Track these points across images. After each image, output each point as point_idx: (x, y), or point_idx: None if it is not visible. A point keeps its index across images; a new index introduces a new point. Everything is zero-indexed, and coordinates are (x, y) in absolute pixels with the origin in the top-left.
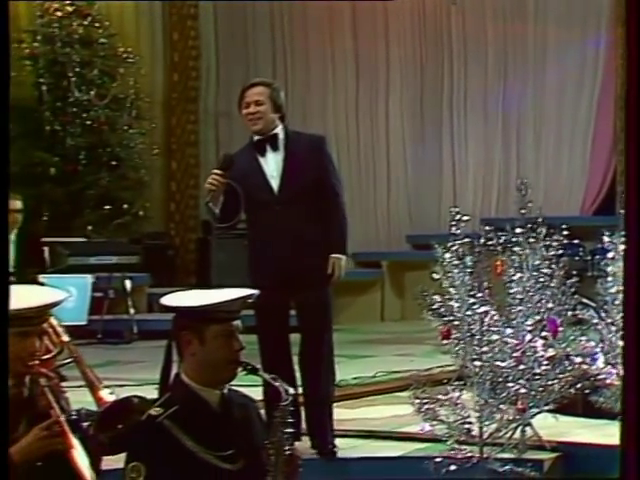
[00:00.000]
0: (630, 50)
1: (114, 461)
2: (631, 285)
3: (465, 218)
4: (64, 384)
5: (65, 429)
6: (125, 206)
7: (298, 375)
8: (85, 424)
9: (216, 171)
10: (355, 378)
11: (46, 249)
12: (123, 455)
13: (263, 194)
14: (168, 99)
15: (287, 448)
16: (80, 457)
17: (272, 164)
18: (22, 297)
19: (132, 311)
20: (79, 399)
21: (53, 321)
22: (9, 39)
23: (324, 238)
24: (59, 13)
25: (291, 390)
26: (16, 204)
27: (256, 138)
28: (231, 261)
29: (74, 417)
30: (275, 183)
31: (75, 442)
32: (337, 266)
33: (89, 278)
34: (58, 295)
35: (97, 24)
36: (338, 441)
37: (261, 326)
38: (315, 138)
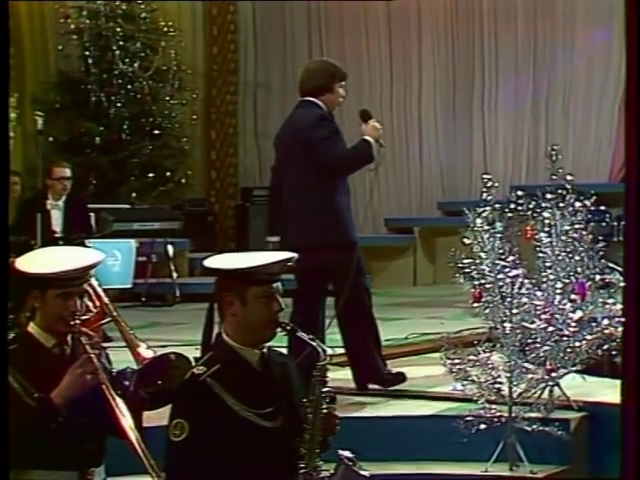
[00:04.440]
0: (630, 48)
1: (158, 418)
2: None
3: (496, 184)
4: (109, 344)
5: (97, 366)
6: (167, 174)
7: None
8: (128, 382)
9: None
10: (388, 340)
11: (92, 215)
12: (166, 412)
13: None
14: (209, 71)
15: (324, 407)
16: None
17: None
18: (64, 259)
19: (174, 275)
20: (125, 359)
21: (93, 282)
22: (9, 39)
23: None
24: None
25: (329, 350)
26: (65, 172)
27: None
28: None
29: (115, 374)
30: None
31: (105, 378)
32: None
33: (133, 242)
34: (98, 257)
35: (139, 0)
36: (371, 400)
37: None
38: None
